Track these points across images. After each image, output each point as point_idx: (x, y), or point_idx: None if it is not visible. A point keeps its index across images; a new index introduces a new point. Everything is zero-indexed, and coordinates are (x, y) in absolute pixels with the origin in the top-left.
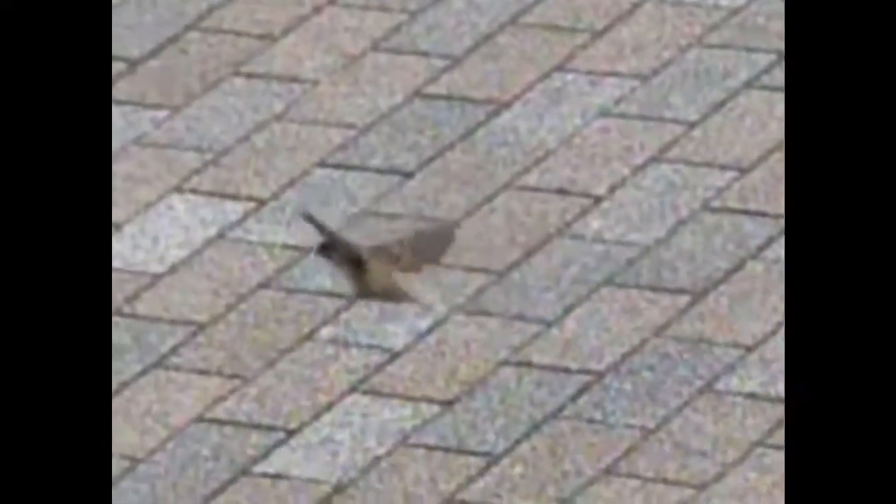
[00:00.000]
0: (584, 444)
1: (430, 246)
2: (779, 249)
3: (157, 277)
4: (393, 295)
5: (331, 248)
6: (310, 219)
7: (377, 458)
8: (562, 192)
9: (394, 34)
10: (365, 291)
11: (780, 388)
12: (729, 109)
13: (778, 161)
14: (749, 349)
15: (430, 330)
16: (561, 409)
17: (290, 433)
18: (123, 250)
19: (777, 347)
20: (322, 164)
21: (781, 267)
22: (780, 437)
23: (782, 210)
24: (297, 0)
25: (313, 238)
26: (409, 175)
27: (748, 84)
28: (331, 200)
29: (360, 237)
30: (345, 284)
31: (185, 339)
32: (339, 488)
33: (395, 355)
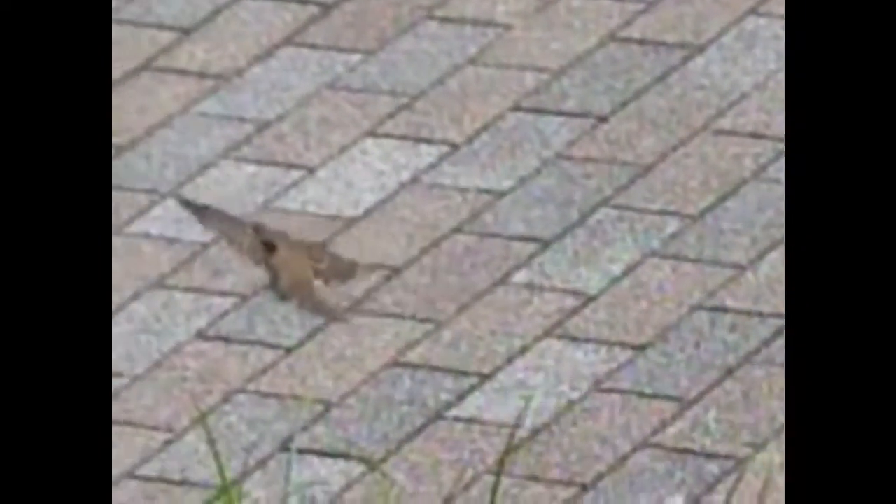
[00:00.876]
0: (777, 389)
1: (342, 268)
2: None
3: (351, 221)
4: (305, 292)
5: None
6: (190, 206)
7: (571, 403)
8: (756, 135)
9: None
10: (273, 281)
11: None
12: None
13: None
14: None
15: (623, 274)
16: (755, 353)
17: (484, 378)
18: (317, 194)
19: None
20: (516, 107)
21: None
22: None
23: None
24: None
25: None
26: (603, 119)
27: None
28: (524, 144)
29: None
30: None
31: (378, 284)
32: (532, 432)
33: (589, 299)
